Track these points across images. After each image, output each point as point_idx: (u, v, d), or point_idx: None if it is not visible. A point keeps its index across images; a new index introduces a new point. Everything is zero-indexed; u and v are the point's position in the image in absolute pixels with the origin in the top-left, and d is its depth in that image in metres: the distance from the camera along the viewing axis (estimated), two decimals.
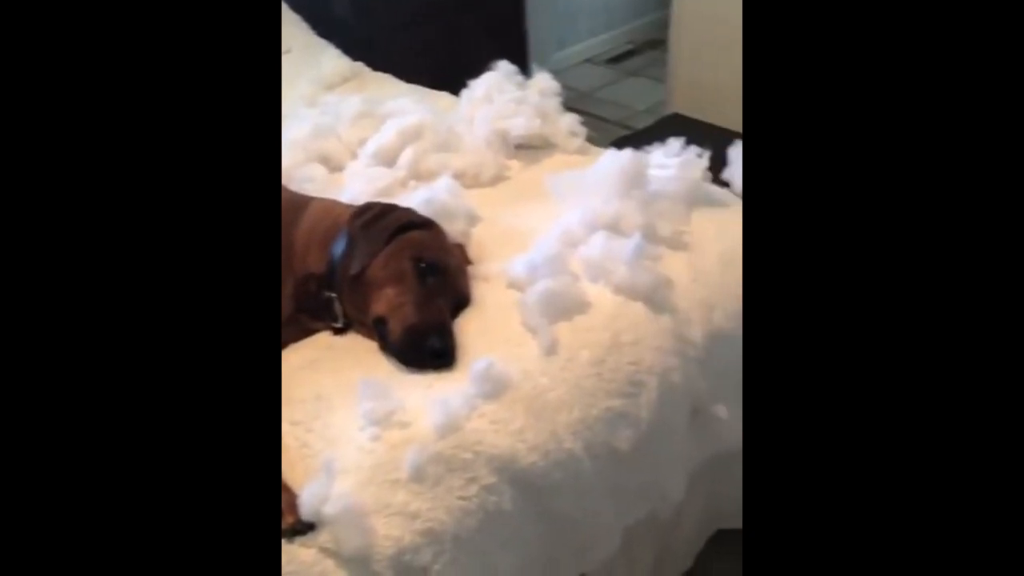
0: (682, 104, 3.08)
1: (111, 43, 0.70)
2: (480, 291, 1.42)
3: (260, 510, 0.74)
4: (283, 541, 1.06)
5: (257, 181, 0.77)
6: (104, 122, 0.69)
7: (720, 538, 1.76)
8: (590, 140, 1.92)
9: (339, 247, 1.36)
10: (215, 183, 0.74)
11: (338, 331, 1.37)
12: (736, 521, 1.71)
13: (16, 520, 0.65)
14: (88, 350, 0.68)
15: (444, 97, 2.17)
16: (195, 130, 0.73)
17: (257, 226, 0.76)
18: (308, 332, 1.38)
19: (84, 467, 0.67)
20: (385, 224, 1.36)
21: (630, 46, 4.54)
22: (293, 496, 1.09)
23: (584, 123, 1.92)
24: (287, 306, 1.37)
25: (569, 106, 1.99)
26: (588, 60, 4.41)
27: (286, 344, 1.35)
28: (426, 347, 1.24)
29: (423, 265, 1.31)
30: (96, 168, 0.69)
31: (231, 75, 0.74)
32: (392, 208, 1.42)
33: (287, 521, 1.07)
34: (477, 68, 2.02)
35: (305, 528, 1.07)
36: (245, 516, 0.72)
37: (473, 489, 1.16)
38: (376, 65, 2.47)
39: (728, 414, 1.44)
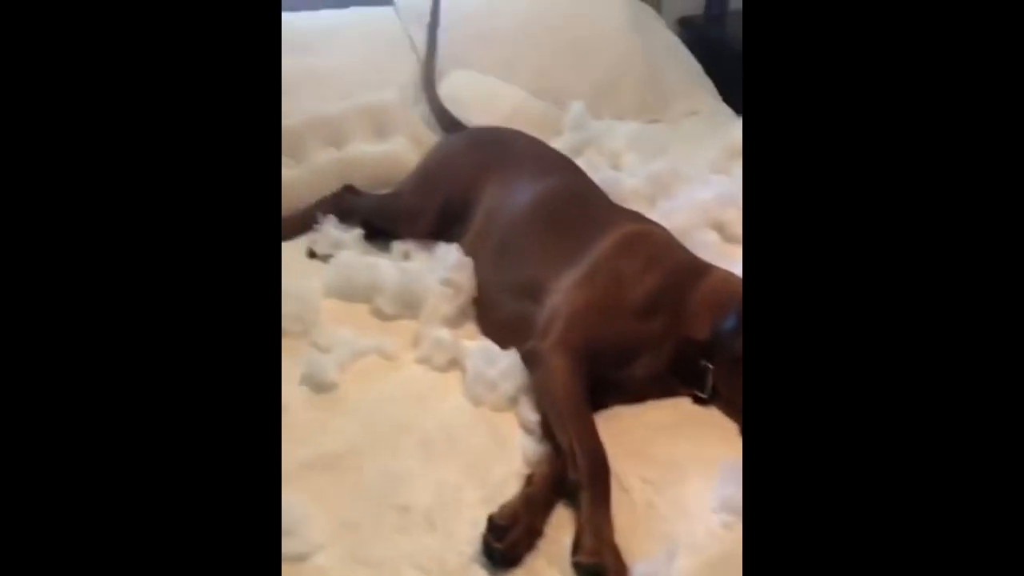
0: None
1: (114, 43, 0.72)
2: None
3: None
4: None
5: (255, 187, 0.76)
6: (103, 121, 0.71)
7: None
8: None
9: (730, 322, 1.35)
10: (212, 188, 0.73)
11: (700, 400, 1.38)
12: None
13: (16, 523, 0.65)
14: (78, 353, 0.68)
15: None
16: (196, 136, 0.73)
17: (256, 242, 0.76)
18: (670, 393, 1.40)
19: (67, 474, 0.67)
20: None
21: None
22: (624, 569, 1.08)
23: None
24: (661, 363, 1.39)
25: None
26: None
27: (646, 398, 1.39)
28: None
29: None
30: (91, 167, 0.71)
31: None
32: None
33: None
34: None
35: None
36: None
37: None
38: None
39: None
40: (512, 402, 1.35)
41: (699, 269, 1.47)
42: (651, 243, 1.49)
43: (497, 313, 1.51)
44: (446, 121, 2.10)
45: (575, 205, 1.60)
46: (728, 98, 2.56)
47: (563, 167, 1.76)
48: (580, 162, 1.92)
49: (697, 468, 1.22)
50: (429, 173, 1.82)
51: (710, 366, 1.36)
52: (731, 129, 2.30)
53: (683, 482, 1.20)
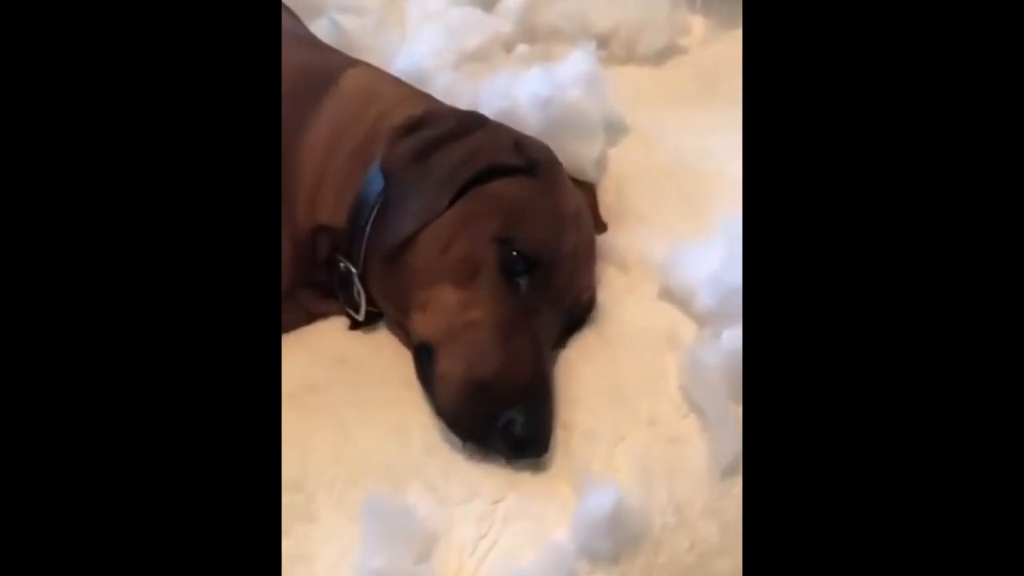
0: None
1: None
2: (612, 289, 0.85)
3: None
4: None
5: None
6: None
7: None
8: None
9: (373, 184, 0.80)
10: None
11: (356, 325, 0.84)
12: None
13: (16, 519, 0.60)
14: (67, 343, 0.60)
15: None
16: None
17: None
18: (312, 318, 0.86)
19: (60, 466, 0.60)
20: (456, 161, 0.78)
21: None
22: None
23: None
24: (284, 275, 0.80)
25: None
26: None
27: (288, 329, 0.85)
28: (498, 423, 0.72)
29: (515, 254, 0.76)
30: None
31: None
32: (472, 125, 0.83)
33: None
34: None
35: None
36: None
37: None
38: None
39: None
40: None
41: (319, 74, 0.85)
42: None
43: None
44: None
45: None
46: None
47: None
48: None
49: (344, 478, 0.73)
50: None
51: (352, 269, 0.80)
52: None
53: (311, 523, 0.71)
